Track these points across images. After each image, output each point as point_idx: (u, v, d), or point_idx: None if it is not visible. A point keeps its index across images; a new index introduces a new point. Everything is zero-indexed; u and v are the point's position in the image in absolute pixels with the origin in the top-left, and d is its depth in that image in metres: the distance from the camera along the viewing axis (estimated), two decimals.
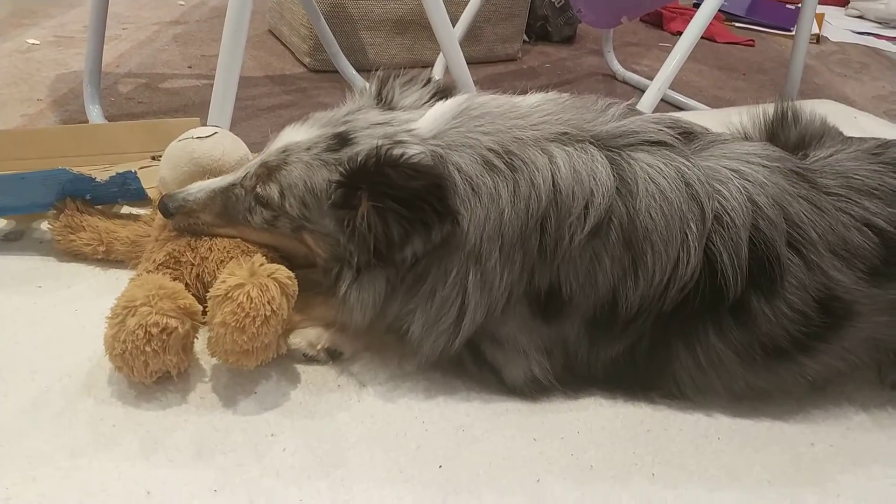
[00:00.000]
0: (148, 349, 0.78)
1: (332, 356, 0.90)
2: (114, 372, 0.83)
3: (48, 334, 0.91)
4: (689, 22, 1.92)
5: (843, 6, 4.16)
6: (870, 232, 0.83)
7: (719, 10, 3.55)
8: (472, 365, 0.88)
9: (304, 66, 2.37)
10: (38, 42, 2.30)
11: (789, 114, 1.05)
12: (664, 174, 0.81)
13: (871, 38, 3.77)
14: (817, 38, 3.53)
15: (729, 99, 2.59)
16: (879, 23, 3.98)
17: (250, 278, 0.80)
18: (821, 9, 3.72)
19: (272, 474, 0.75)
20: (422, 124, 0.83)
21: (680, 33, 2.00)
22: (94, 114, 1.78)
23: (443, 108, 0.84)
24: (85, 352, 0.87)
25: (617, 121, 0.84)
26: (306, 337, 0.90)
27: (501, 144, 0.80)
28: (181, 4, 2.80)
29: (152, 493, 0.72)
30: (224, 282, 0.80)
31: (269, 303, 0.79)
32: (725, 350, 0.84)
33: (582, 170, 0.79)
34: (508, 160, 0.80)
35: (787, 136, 1.03)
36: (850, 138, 1.02)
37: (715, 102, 2.48)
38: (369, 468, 0.77)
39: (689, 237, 0.80)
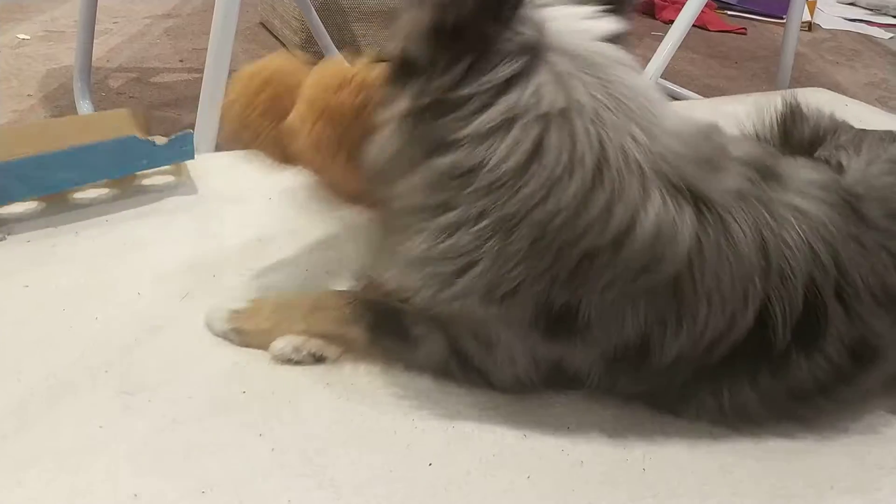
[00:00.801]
0: None
1: (317, 360, 0.89)
2: (100, 373, 0.82)
3: (34, 335, 0.90)
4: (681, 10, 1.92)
5: None
6: None
7: None
8: (459, 371, 0.87)
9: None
10: (28, 37, 2.29)
11: (798, 110, 1.02)
12: (743, 229, 0.74)
13: (862, 24, 3.76)
14: (809, 26, 3.52)
15: (721, 87, 2.59)
16: (871, 10, 3.98)
17: None
18: None
19: (260, 475, 0.75)
20: None
21: (672, 22, 2.00)
22: (85, 109, 1.77)
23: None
24: (72, 353, 0.87)
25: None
26: (291, 342, 0.88)
27: (614, 142, 0.71)
28: None
29: (140, 495, 0.71)
30: None
31: None
32: (752, 396, 0.81)
33: (665, 230, 0.71)
34: (598, 162, 0.70)
35: (802, 133, 1.00)
36: (865, 132, 1.00)
37: (707, 91, 2.48)
38: (358, 468, 0.77)
39: (751, 294, 0.74)
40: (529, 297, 0.74)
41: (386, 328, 0.89)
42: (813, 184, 0.80)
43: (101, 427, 0.78)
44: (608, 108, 0.71)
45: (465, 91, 0.69)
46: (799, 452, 0.85)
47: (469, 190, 0.71)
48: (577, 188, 0.70)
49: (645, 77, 0.77)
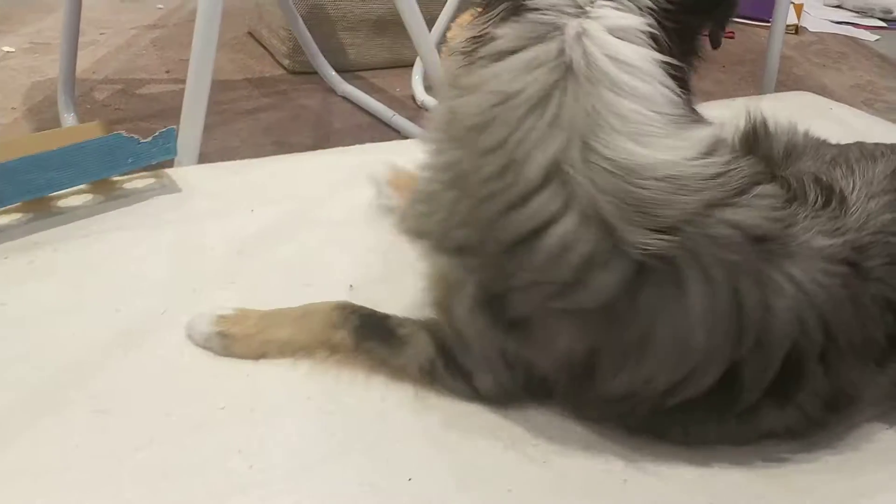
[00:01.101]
0: None
1: (225, 350, 0.90)
2: (77, 392, 0.82)
3: (11, 352, 0.89)
4: None
5: None
6: (891, 316, 0.79)
7: None
8: (444, 372, 0.87)
9: (284, 67, 2.36)
10: (13, 49, 2.29)
11: (763, 128, 1.01)
12: (705, 291, 0.71)
13: (849, 27, 3.78)
14: (796, 29, 3.54)
15: (709, 91, 2.59)
16: (857, 12, 3.99)
17: None
18: None
19: (239, 492, 0.74)
20: None
21: None
22: (69, 121, 1.77)
23: None
24: (48, 371, 0.86)
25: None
26: (199, 329, 0.91)
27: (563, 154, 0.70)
28: (160, 8, 2.79)
29: None
30: None
31: None
32: (722, 438, 0.82)
33: (577, 245, 0.70)
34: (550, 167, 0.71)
35: (770, 149, 0.99)
36: (847, 147, 1.00)
37: (701, 98, 2.48)
38: (338, 483, 0.77)
39: (719, 356, 0.73)
40: (470, 268, 0.78)
41: (371, 331, 0.89)
42: (819, 253, 0.77)
43: (77, 446, 0.78)
44: (599, 128, 0.69)
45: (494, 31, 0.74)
46: (781, 463, 0.84)
47: (450, 135, 0.77)
48: (501, 166, 0.71)
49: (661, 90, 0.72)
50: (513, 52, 0.72)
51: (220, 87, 2.15)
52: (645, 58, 0.71)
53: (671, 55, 0.72)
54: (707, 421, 0.81)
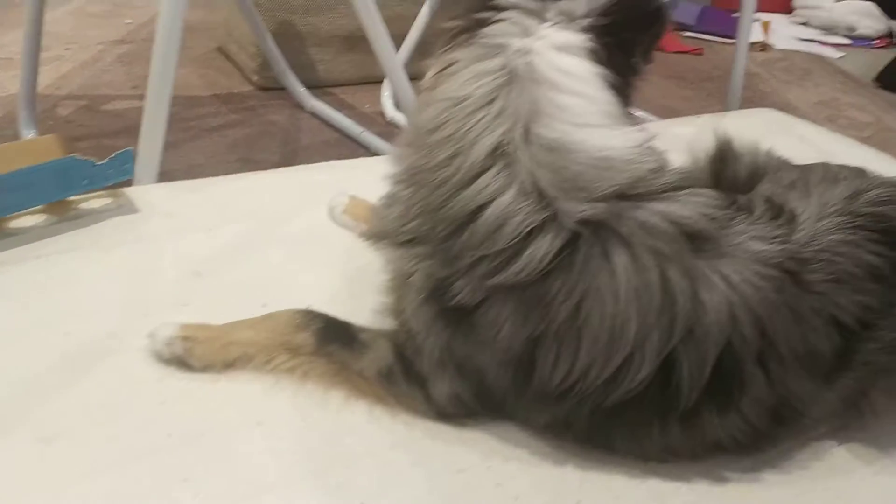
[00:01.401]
0: None
1: (181, 363, 0.90)
2: (20, 419, 0.80)
3: None
4: None
5: (789, 14, 4.23)
6: (835, 332, 0.80)
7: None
8: (402, 378, 0.86)
9: (253, 83, 2.35)
10: None
11: (729, 150, 1.03)
12: (632, 274, 0.74)
13: (815, 44, 3.83)
14: (763, 46, 3.58)
15: (677, 108, 2.62)
16: (823, 30, 4.05)
17: None
18: (767, 16, 3.79)
19: None
20: None
21: None
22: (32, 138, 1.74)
23: None
24: None
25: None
26: (162, 334, 0.91)
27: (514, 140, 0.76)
28: (128, 23, 2.77)
29: None
30: None
31: None
32: (668, 446, 0.82)
33: (515, 216, 0.74)
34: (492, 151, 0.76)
35: (735, 172, 1.01)
36: (808, 168, 1.00)
37: (663, 112, 2.49)
38: None
39: (650, 344, 0.75)
40: (421, 262, 0.81)
41: (333, 334, 0.90)
42: (752, 256, 0.79)
43: (17, 475, 0.76)
44: (539, 115, 0.75)
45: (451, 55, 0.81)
46: (733, 481, 0.85)
47: (410, 142, 0.83)
48: (449, 155, 0.76)
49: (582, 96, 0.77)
50: (465, 68, 0.79)
51: (187, 103, 2.14)
52: (584, 68, 0.77)
53: (610, 68, 0.78)
54: (650, 425, 0.80)
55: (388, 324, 0.90)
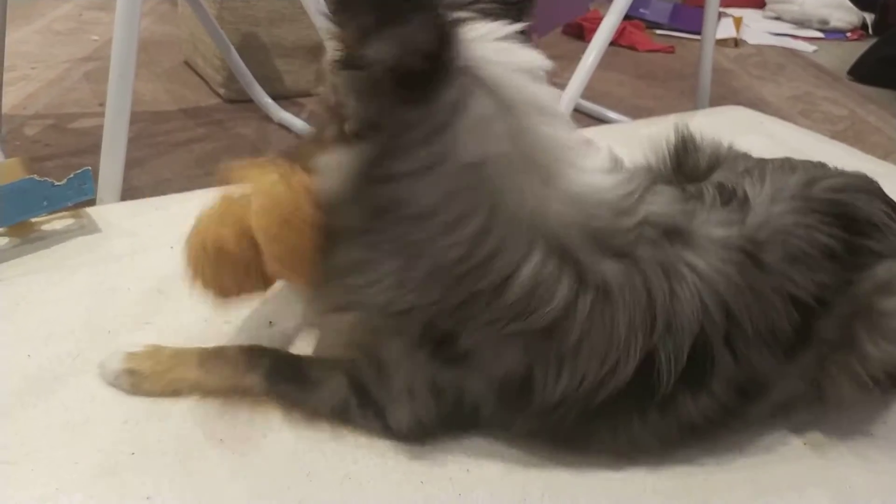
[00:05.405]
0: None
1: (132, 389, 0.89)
2: None
3: None
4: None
5: (761, 8, 4.25)
6: (794, 309, 0.82)
7: (641, 20, 3.63)
8: (358, 411, 0.86)
9: (220, 96, 2.34)
10: None
11: (691, 140, 1.05)
12: (626, 293, 0.76)
13: (787, 38, 3.86)
14: (735, 42, 3.60)
15: (649, 108, 2.63)
16: (795, 23, 4.08)
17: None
18: (739, 12, 3.81)
19: None
20: None
21: None
22: None
23: None
24: None
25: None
26: (110, 367, 0.90)
27: (512, 197, 0.75)
28: (95, 39, 2.76)
29: None
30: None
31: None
32: (646, 435, 0.83)
33: (541, 287, 0.75)
34: (491, 212, 0.75)
35: (696, 162, 1.02)
36: (765, 160, 1.01)
37: (635, 112, 2.51)
38: None
39: (633, 347, 0.77)
40: (418, 319, 0.78)
41: (283, 374, 0.88)
42: (716, 243, 0.81)
43: None
44: (516, 161, 0.75)
45: (410, 135, 0.74)
46: (697, 482, 0.85)
47: (391, 217, 0.77)
48: (473, 232, 0.74)
49: (564, 125, 0.79)
50: None
51: (154, 118, 2.13)
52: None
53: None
54: (631, 416, 0.81)
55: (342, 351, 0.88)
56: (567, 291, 0.75)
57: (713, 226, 0.83)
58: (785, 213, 0.86)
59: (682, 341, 0.78)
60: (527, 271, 0.74)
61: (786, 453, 0.90)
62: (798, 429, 0.93)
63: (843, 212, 0.87)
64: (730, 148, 1.07)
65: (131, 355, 0.90)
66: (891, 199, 0.94)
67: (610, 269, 0.76)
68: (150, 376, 0.89)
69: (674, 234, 0.80)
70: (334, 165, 0.78)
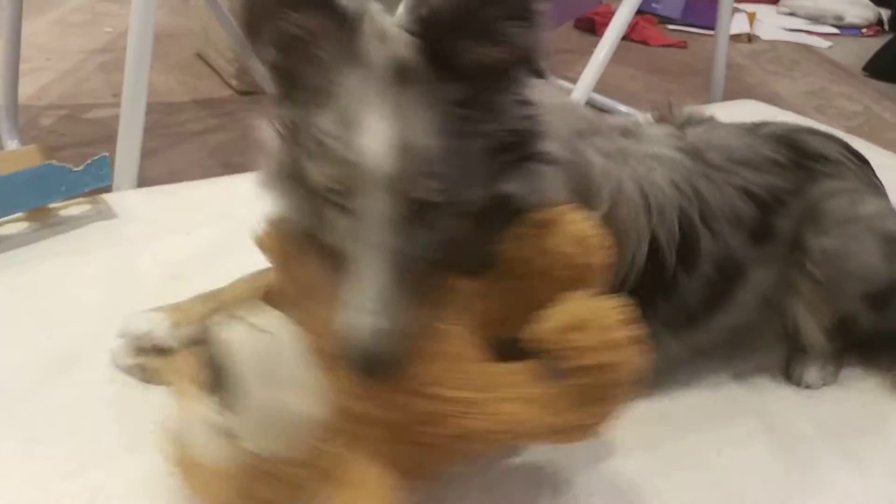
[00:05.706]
0: None
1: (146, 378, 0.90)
2: (6, 420, 0.81)
3: None
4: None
5: (774, 4, 4.23)
6: (749, 199, 0.95)
7: (653, 14, 3.62)
8: None
9: (232, 88, 2.35)
10: None
11: (675, 106, 1.11)
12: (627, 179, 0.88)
13: (802, 34, 3.83)
14: (749, 37, 3.58)
15: (660, 102, 2.61)
16: (809, 19, 4.05)
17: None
18: (752, 7, 3.79)
19: None
20: None
21: None
22: (12, 149, 1.74)
23: None
24: None
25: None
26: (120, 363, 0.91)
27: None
28: (108, 31, 2.76)
29: None
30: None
31: None
32: (657, 325, 0.87)
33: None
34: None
35: (673, 118, 1.08)
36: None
37: (647, 107, 2.49)
38: None
39: (641, 230, 0.88)
40: None
41: None
42: (661, 136, 0.96)
43: (5, 476, 0.77)
44: None
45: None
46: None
47: None
48: None
49: None
50: None
51: (167, 109, 2.14)
52: None
53: None
54: (646, 309, 0.79)
55: None
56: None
57: (652, 127, 0.99)
58: (719, 137, 0.99)
59: (671, 221, 0.89)
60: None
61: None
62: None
63: (791, 142, 1.00)
64: (711, 118, 1.10)
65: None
66: (858, 153, 1.05)
67: (611, 158, 0.87)
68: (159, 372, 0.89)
69: (628, 133, 0.94)
70: None
